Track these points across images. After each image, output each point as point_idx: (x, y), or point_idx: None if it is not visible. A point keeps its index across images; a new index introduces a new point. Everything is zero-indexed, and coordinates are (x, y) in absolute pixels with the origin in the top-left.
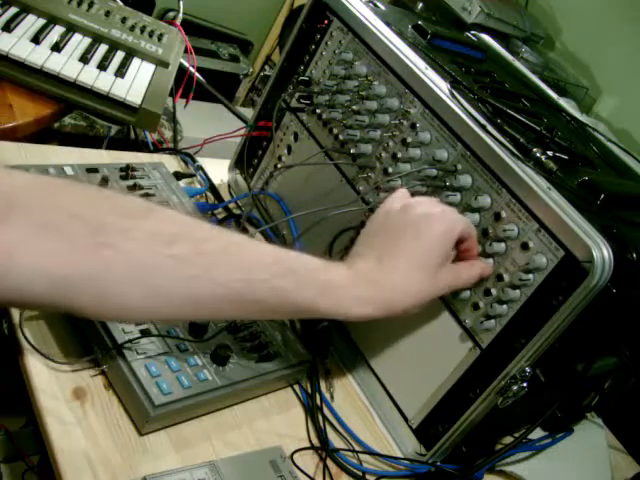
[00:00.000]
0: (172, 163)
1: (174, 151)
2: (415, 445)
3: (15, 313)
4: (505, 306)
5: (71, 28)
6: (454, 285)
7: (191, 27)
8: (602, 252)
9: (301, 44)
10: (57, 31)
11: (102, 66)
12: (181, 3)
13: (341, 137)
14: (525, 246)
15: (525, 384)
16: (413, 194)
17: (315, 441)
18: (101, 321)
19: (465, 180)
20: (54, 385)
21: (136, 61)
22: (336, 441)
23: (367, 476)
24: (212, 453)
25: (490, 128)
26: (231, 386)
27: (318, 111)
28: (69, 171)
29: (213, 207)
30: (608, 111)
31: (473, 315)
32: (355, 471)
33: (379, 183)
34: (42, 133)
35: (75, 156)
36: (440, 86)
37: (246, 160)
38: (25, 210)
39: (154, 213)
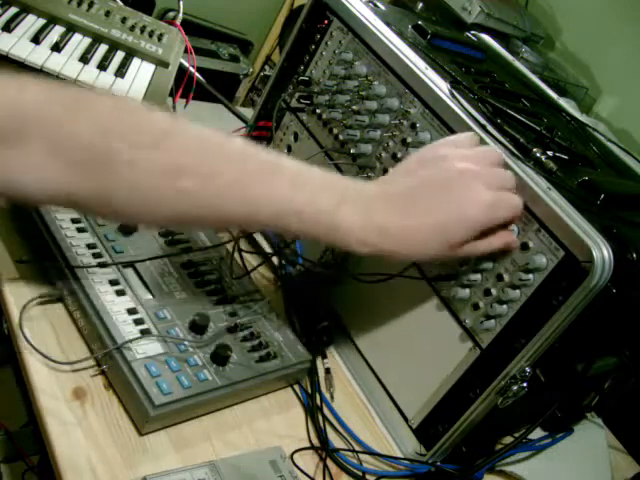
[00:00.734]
0: None
1: None
2: (415, 445)
3: (15, 313)
4: (505, 306)
5: (71, 28)
6: (468, 254)
7: (191, 27)
8: (602, 252)
9: (301, 44)
10: (57, 31)
11: (102, 66)
12: (181, 3)
13: (341, 137)
14: (525, 246)
15: (525, 384)
16: None
17: (315, 441)
18: (101, 321)
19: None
20: (54, 385)
21: (136, 61)
22: (336, 441)
23: (367, 476)
24: (212, 453)
25: (490, 128)
26: (231, 386)
27: (318, 111)
28: None
29: None
30: (608, 111)
31: (473, 315)
32: (355, 471)
33: None
34: None
35: None
36: (440, 86)
37: None
38: (36, 136)
39: (167, 141)
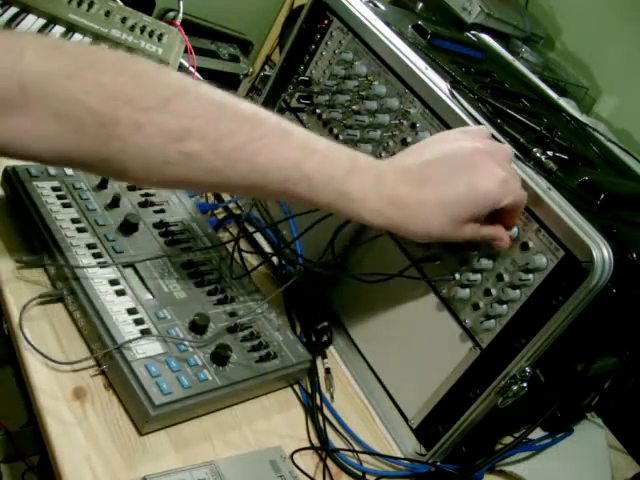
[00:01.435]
0: None
1: None
2: (415, 445)
3: (15, 313)
4: (505, 306)
5: (71, 28)
6: (471, 238)
7: (191, 27)
8: (602, 252)
9: (301, 44)
10: (57, 31)
11: None
12: (181, 3)
13: (341, 137)
14: (525, 246)
15: (525, 384)
16: None
17: (315, 441)
18: (101, 321)
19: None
20: (54, 385)
21: None
22: (336, 441)
23: (367, 476)
24: (212, 453)
25: (490, 128)
26: (231, 386)
27: (318, 111)
28: (69, 171)
29: (213, 207)
30: (608, 111)
31: (473, 315)
32: (355, 471)
33: None
34: None
35: None
36: (440, 86)
37: None
38: (38, 103)
39: (172, 103)
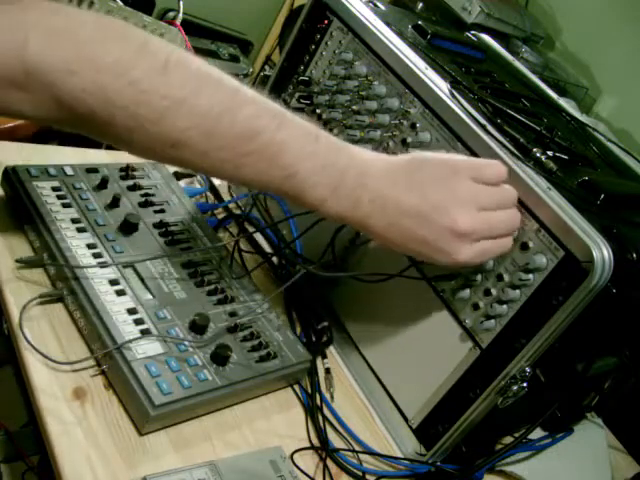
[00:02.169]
0: None
1: None
2: (415, 445)
3: (15, 313)
4: (505, 306)
5: None
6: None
7: (191, 27)
8: (602, 252)
9: (301, 44)
10: None
11: None
12: (181, 3)
13: (341, 137)
14: (525, 246)
15: (525, 384)
16: None
17: (315, 441)
18: (101, 321)
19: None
20: (54, 385)
21: None
22: (336, 441)
23: (367, 476)
24: (212, 453)
25: (490, 128)
26: (231, 386)
27: (318, 111)
28: (69, 171)
29: (213, 207)
30: (608, 111)
31: (473, 315)
32: (355, 471)
33: None
34: (42, 133)
35: (75, 156)
36: (440, 86)
37: None
38: (40, 86)
39: (169, 115)
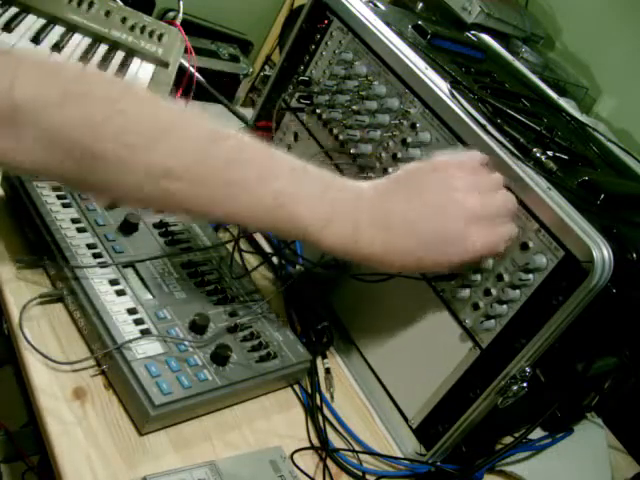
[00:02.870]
0: None
1: None
2: (415, 445)
3: (15, 313)
4: (505, 306)
5: (71, 28)
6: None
7: (191, 27)
8: (602, 252)
9: (301, 44)
10: (57, 31)
11: (102, 66)
12: (181, 3)
13: (341, 137)
14: (525, 246)
15: (525, 384)
16: None
17: (315, 441)
18: (101, 321)
19: None
20: (54, 385)
21: (136, 61)
22: (336, 441)
23: (367, 476)
24: (212, 453)
25: (490, 128)
26: (231, 386)
27: (318, 111)
28: None
29: None
30: (608, 111)
31: (473, 315)
32: (355, 471)
33: None
34: None
35: None
36: (440, 86)
37: None
38: (28, 126)
39: (160, 141)
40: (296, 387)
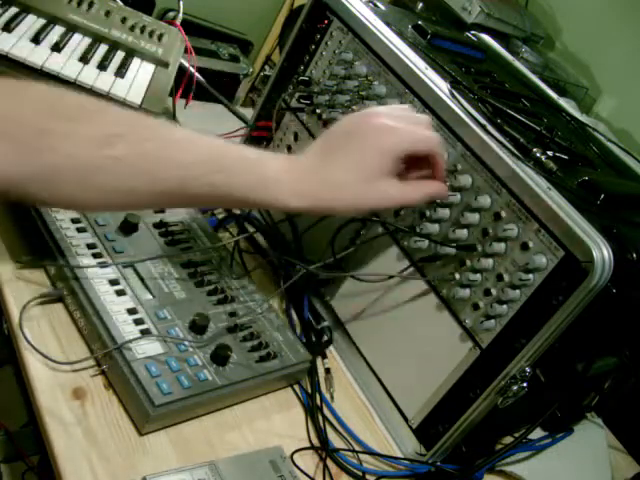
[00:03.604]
0: None
1: None
2: (415, 445)
3: (15, 313)
4: (505, 306)
5: (71, 28)
6: (400, 200)
7: (191, 27)
8: (602, 252)
9: (301, 44)
10: (57, 31)
11: (102, 66)
12: (181, 3)
13: None
14: (525, 246)
15: (525, 384)
16: None
17: (315, 441)
18: (101, 321)
19: (465, 180)
20: (54, 385)
21: (136, 61)
22: (336, 441)
23: (367, 476)
24: (212, 453)
25: (490, 128)
26: (231, 386)
27: (318, 111)
28: None
29: (213, 207)
30: (608, 111)
31: (473, 315)
32: (355, 471)
33: None
34: None
35: None
36: (440, 86)
37: None
38: None
39: (97, 115)
40: (296, 387)
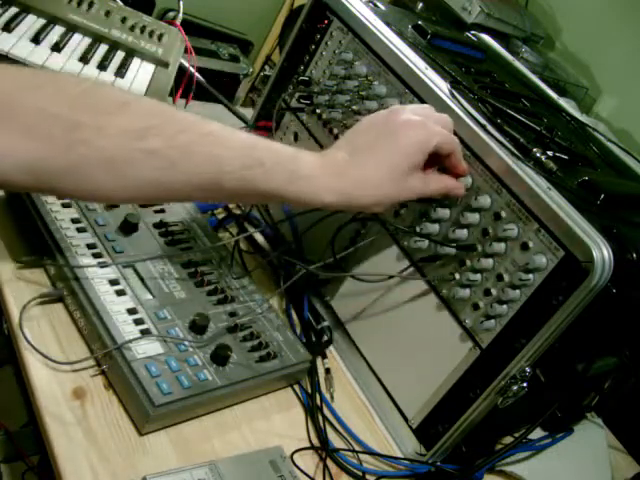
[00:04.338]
0: None
1: None
2: (415, 445)
3: (15, 313)
4: (505, 306)
5: (71, 28)
6: (421, 192)
7: (191, 27)
8: (602, 252)
9: (301, 44)
10: (57, 31)
11: (102, 66)
12: (181, 3)
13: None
14: (525, 246)
15: (525, 384)
16: None
17: (315, 441)
18: (101, 321)
19: (465, 180)
20: (54, 385)
21: (136, 61)
22: (336, 441)
23: (367, 476)
24: (212, 453)
25: (490, 128)
26: (231, 386)
27: (318, 111)
28: None
29: (213, 207)
30: (608, 111)
31: (473, 315)
32: (355, 471)
33: None
34: None
35: None
36: (440, 86)
37: None
38: (6, 117)
39: (130, 107)
40: (296, 387)
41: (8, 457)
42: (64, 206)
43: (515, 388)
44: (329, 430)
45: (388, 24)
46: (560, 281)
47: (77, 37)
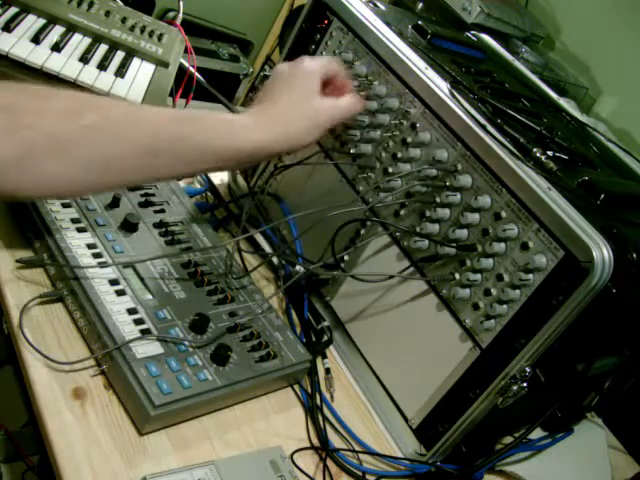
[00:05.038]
0: None
1: None
2: (415, 445)
3: (15, 313)
4: (505, 306)
5: (71, 28)
6: (334, 107)
7: (191, 27)
8: (602, 252)
9: (301, 44)
10: (57, 31)
11: (102, 66)
12: (181, 3)
13: (341, 137)
14: (525, 246)
15: (525, 384)
16: (413, 194)
17: (315, 441)
18: (101, 321)
19: (465, 180)
20: (54, 385)
21: (136, 61)
22: (336, 441)
23: (367, 476)
24: (212, 453)
25: (490, 128)
26: (231, 386)
27: None
28: None
29: (213, 207)
30: (608, 111)
31: (473, 315)
32: (355, 471)
33: (379, 183)
34: None
35: None
36: (440, 86)
37: None
38: None
39: (61, 92)
40: (296, 387)
41: (8, 457)
42: (64, 206)
43: (515, 388)
44: (329, 430)
45: (388, 24)
46: (560, 281)
47: (77, 37)
